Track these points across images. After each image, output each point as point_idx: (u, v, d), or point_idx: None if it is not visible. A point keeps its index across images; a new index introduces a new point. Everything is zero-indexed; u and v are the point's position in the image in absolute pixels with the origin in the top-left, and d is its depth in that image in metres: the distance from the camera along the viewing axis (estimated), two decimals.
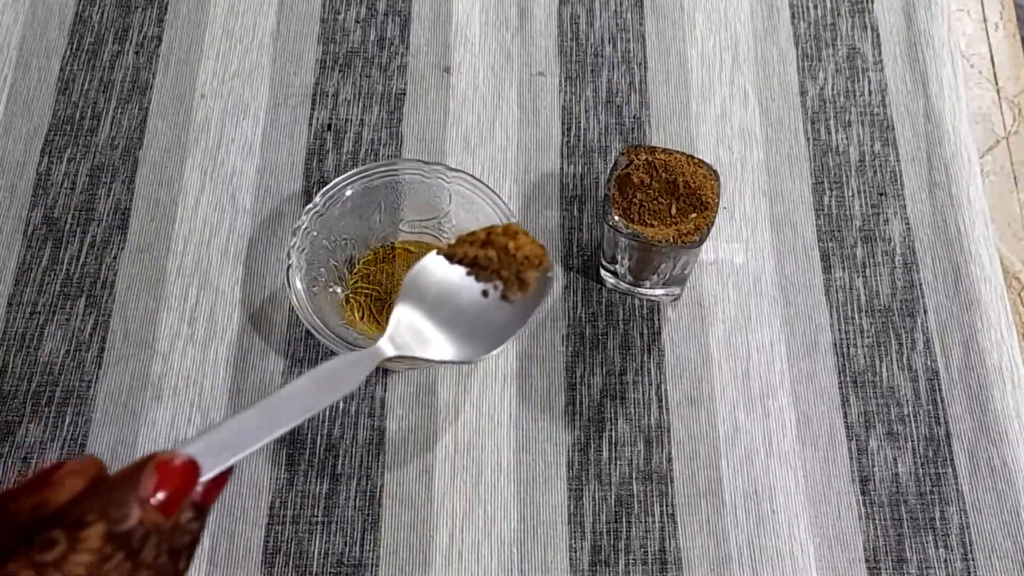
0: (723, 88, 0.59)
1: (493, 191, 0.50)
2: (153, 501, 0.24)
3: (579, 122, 0.58)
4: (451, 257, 0.37)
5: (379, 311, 0.52)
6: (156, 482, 0.24)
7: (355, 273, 0.53)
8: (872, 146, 0.57)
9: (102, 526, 0.23)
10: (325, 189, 0.49)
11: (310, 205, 0.49)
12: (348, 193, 0.50)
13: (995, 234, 0.55)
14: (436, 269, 0.36)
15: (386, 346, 0.35)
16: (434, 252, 0.37)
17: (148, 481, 0.24)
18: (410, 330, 0.35)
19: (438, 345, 0.35)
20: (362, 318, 0.51)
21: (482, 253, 0.36)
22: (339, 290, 0.51)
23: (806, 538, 0.48)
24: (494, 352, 0.36)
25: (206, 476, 0.27)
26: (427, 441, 0.50)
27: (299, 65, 0.59)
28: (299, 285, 0.48)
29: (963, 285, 0.53)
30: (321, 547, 0.48)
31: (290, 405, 0.29)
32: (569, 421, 0.51)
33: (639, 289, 0.52)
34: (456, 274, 0.36)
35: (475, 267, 0.37)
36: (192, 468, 0.26)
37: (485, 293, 0.36)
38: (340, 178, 0.50)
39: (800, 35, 0.60)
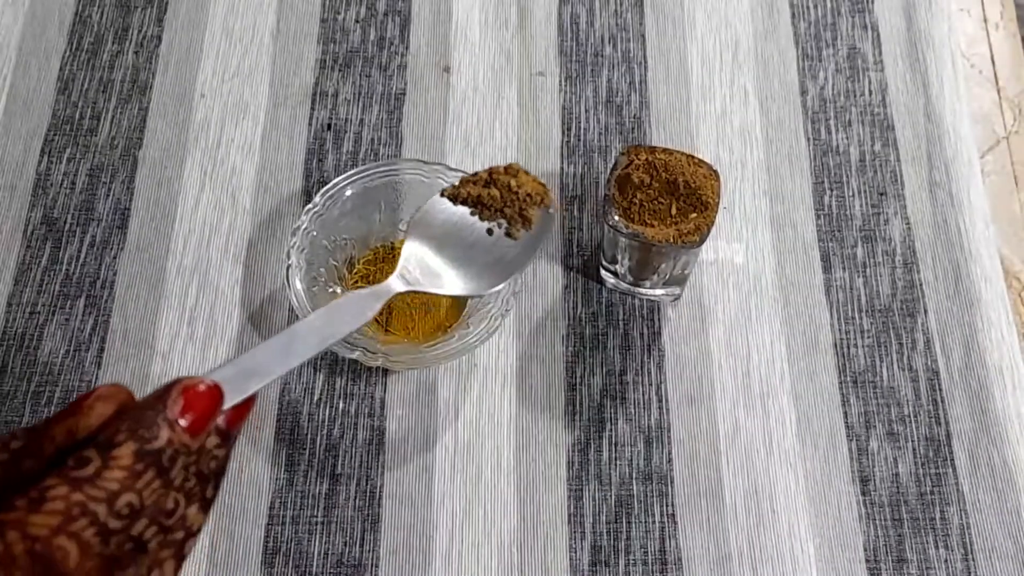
0: (723, 88, 0.59)
1: None
2: (181, 422, 0.25)
3: (579, 122, 0.58)
4: (455, 198, 0.38)
5: (381, 312, 0.52)
6: (183, 405, 0.26)
7: (355, 273, 0.53)
8: (872, 146, 0.57)
9: (132, 444, 0.24)
10: (325, 189, 0.49)
11: (310, 205, 0.49)
12: (348, 193, 0.50)
13: (995, 234, 0.55)
14: (442, 209, 0.37)
15: (396, 282, 0.35)
16: (439, 193, 0.37)
17: (175, 403, 0.25)
18: (419, 266, 0.36)
19: (448, 280, 0.36)
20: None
21: (485, 192, 0.37)
22: (339, 290, 0.51)
23: (806, 538, 0.48)
24: (500, 286, 0.37)
25: (230, 402, 0.28)
26: (427, 441, 0.50)
27: (299, 65, 0.59)
28: (299, 285, 0.48)
29: (963, 285, 0.53)
30: (321, 547, 0.48)
31: (308, 337, 0.30)
32: (569, 421, 0.51)
33: (639, 289, 0.52)
34: (460, 213, 0.37)
35: (479, 206, 0.37)
36: (217, 392, 0.27)
37: (490, 231, 0.37)
38: (340, 178, 0.50)
39: (800, 35, 0.60)
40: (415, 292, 0.36)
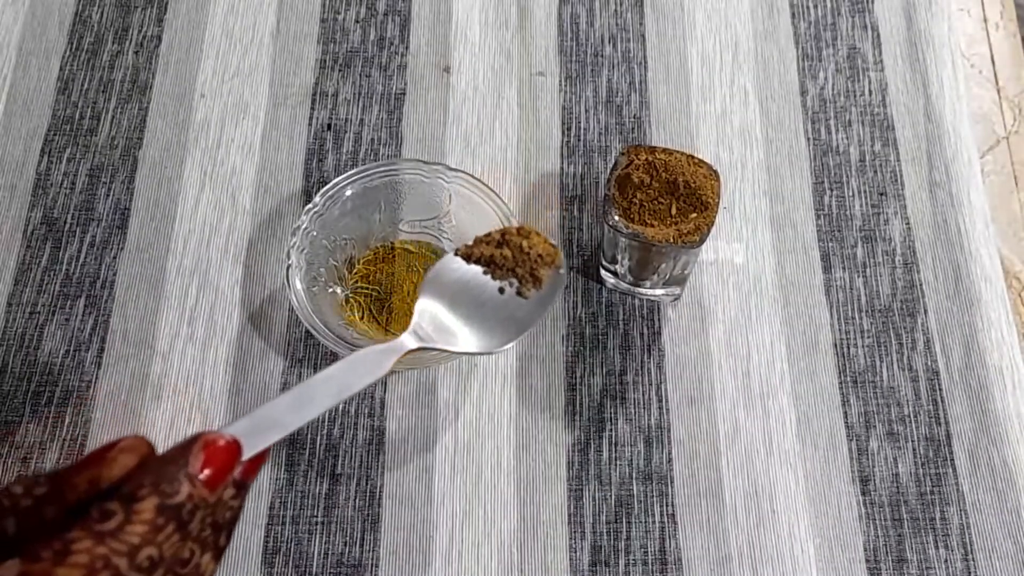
0: (723, 88, 0.59)
1: (493, 191, 0.50)
2: (201, 477, 0.26)
3: (579, 122, 0.58)
4: (468, 257, 0.39)
5: (379, 311, 0.52)
6: (204, 460, 0.26)
7: (355, 273, 0.53)
8: (872, 146, 0.57)
9: (155, 499, 0.24)
10: (325, 189, 0.49)
11: (310, 205, 0.49)
12: (348, 193, 0.50)
13: (995, 234, 0.55)
14: (455, 268, 0.38)
15: (409, 339, 0.37)
16: (452, 252, 0.39)
17: (196, 459, 0.26)
18: (433, 323, 0.37)
19: (462, 337, 0.37)
20: (362, 318, 0.51)
21: (498, 253, 0.38)
22: (339, 290, 0.51)
23: (806, 538, 0.48)
24: (512, 344, 0.38)
25: (247, 455, 0.29)
26: (427, 441, 0.50)
27: (299, 65, 0.59)
28: (299, 285, 0.48)
29: (963, 285, 0.53)
30: (321, 547, 0.48)
31: (323, 389, 0.32)
32: (569, 421, 0.51)
33: (639, 289, 0.52)
34: (473, 272, 0.38)
35: (491, 266, 0.38)
36: (236, 447, 0.28)
37: (501, 290, 0.38)
38: (340, 178, 0.50)
39: (800, 35, 0.60)
40: (428, 349, 0.37)
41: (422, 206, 0.52)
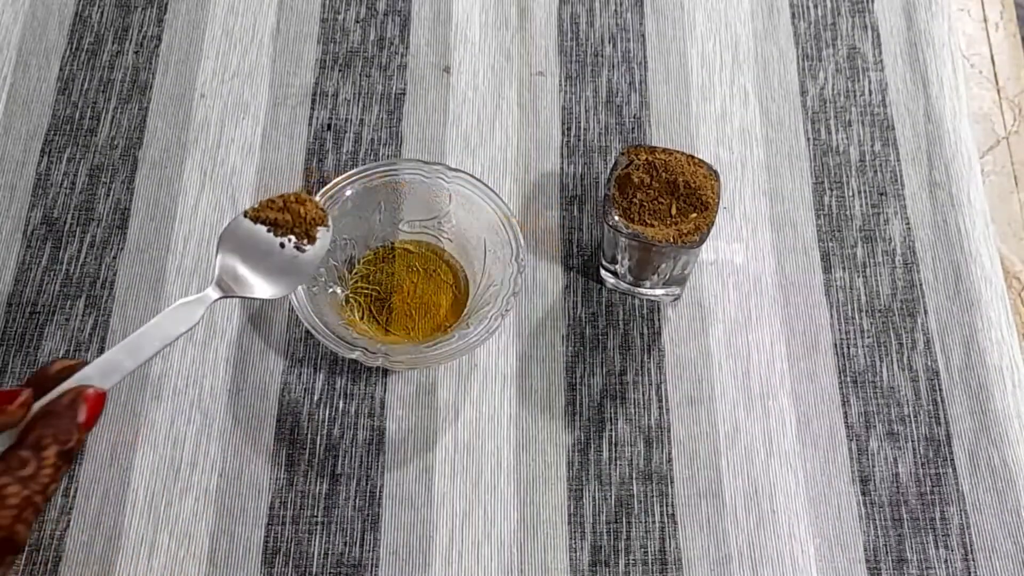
0: (723, 88, 0.59)
1: (493, 191, 0.50)
2: (81, 422, 0.33)
3: (579, 122, 0.58)
4: (256, 219, 0.45)
5: (379, 311, 0.52)
6: (87, 410, 0.33)
7: (355, 273, 0.53)
8: (872, 146, 0.57)
9: (56, 447, 0.31)
10: (325, 189, 0.49)
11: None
12: (348, 193, 0.50)
13: (995, 234, 0.55)
14: (245, 228, 0.45)
15: (212, 291, 0.43)
16: (242, 214, 0.45)
17: (82, 410, 0.32)
18: (231, 277, 0.44)
19: (257, 287, 0.44)
20: (362, 318, 0.51)
21: (280, 216, 0.45)
22: (339, 290, 0.51)
23: (806, 538, 0.48)
24: (299, 288, 0.46)
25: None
26: (427, 441, 0.50)
27: (299, 65, 0.59)
28: (301, 298, 0.48)
29: (963, 285, 0.53)
30: (321, 547, 0.48)
31: (149, 336, 0.39)
32: (569, 421, 0.51)
33: (639, 289, 0.52)
34: (260, 231, 0.45)
35: (275, 226, 0.45)
36: (104, 396, 0.34)
37: (282, 245, 0.45)
38: (340, 178, 0.50)
39: (800, 35, 0.60)
40: (230, 298, 0.44)
41: (422, 206, 0.52)
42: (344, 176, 0.50)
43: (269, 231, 0.45)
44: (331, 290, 0.51)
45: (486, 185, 0.50)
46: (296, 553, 0.48)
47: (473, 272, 0.52)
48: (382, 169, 0.50)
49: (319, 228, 0.46)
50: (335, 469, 0.50)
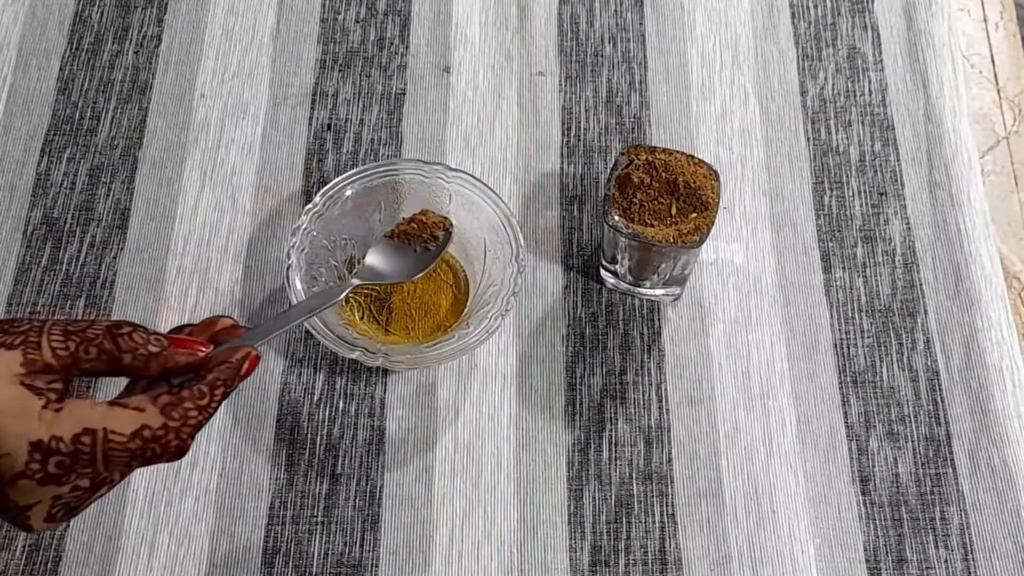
0: (723, 88, 0.59)
1: (493, 191, 0.50)
2: (243, 375, 0.38)
3: (579, 122, 0.58)
4: (391, 236, 0.50)
5: (379, 311, 0.52)
6: (248, 366, 0.38)
7: (355, 273, 0.53)
8: (872, 146, 0.57)
9: (223, 389, 0.37)
10: (325, 189, 0.49)
11: (310, 205, 0.49)
12: (348, 193, 0.50)
13: (995, 234, 0.55)
14: (384, 242, 0.51)
15: (354, 280, 0.48)
16: (382, 234, 0.50)
17: (246, 366, 0.38)
18: (371, 272, 0.49)
19: (393, 276, 0.50)
20: (362, 318, 0.51)
21: (408, 227, 0.50)
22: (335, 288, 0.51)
23: (806, 538, 0.48)
24: (421, 273, 0.50)
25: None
26: (427, 441, 0.50)
27: (299, 65, 0.59)
28: (298, 285, 0.48)
29: (963, 285, 0.53)
30: (321, 547, 0.48)
31: (297, 312, 0.44)
32: (569, 421, 0.51)
33: (639, 289, 0.52)
34: (396, 243, 0.50)
35: (405, 236, 0.50)
36: (258, 358, 0.38)
37: (415, 249, 0.50)
38: (340, 178, 0.50)
39: (800, 35, 0.60)
40: (372, 284, 0.49)
41: (422, 206, 0.52)
42: (344, 176, 0.50)
43: (402, 242, 0.50)
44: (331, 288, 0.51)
45: (486, 185, 0.50)
46: (296, 553, 0.48)
47: (473, 272, 0.52)
48: (382, 169, 0.50)
49: (440, 232, 0.50)
50: (335, 469, 0.50)
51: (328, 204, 0.49)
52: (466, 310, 0.51)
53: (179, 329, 0.39)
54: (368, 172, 0.50)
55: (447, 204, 0.51)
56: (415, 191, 0.51)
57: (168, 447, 0.35)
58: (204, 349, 0.37)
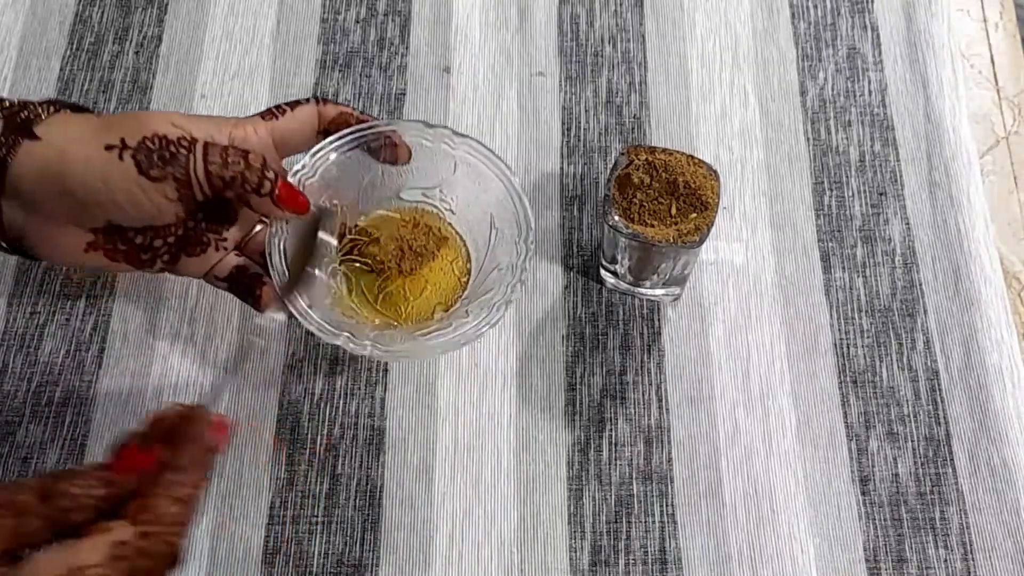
0: (723, 88, 0.59)
1: (503, 162, 0.47)
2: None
3: (579, 122, 0.58)
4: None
5: (369, 287, 0.49)
6: (219, 440, 0.36)
7: (344, 243, 0.49)
8: (872, 146, 0.57)
9: (202, 473, 0.35)
10: (316, 148, 0.46)
11: (298, 166, 0.46)
12: (332, 158, 0.47)
13: (995, 234, 0.55)
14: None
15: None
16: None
17: (223, 443, 0.37)
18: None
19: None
20: (350, 292, 0.49)
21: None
22: (325, 260, 0.48)
23: (806, 538, 0.48)
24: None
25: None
26: (427, 441, 0.50)
27: (299, 65, 0.59)
28: (278, 259, 0.45)
29: (963, 285, 0.53)
30: (321, 547, 0.48)
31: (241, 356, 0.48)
32: (569, 421, 0.51)
33: (639, 289, 0.53)
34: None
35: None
36: (223, 424, 0.37)
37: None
38: (333, 137, 0.46)
39: (800, 35, 0.60)
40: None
41: (423, 172, 0.48)
42: (338, 136, 0.46)
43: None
44: (320, 261, 0.47)
45: (496, 155, 0.47)
46: (296, 553, 0.48)
47: (477, 251, 0.49)
48: (380, 129, 0.47)
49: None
50: (335, 469, 0.50)
51: (319, 165, 0.46)
52: (466, 294, 0.48)
53: (127, 445, 0.35)
54: (364, 132, 0.46)
55: (451, 172, 0.48)
56: (416, 155, 0.48)
57: (159, 557, 0.31)
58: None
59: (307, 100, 0.46)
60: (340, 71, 0.59)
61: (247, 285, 0.47)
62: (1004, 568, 0.47)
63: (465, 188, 0.49)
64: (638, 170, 0.47)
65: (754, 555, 0.48)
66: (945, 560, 0.48)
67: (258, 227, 0.48)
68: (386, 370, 0.52)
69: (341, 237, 0.49)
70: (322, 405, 0.51)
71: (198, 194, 0.42)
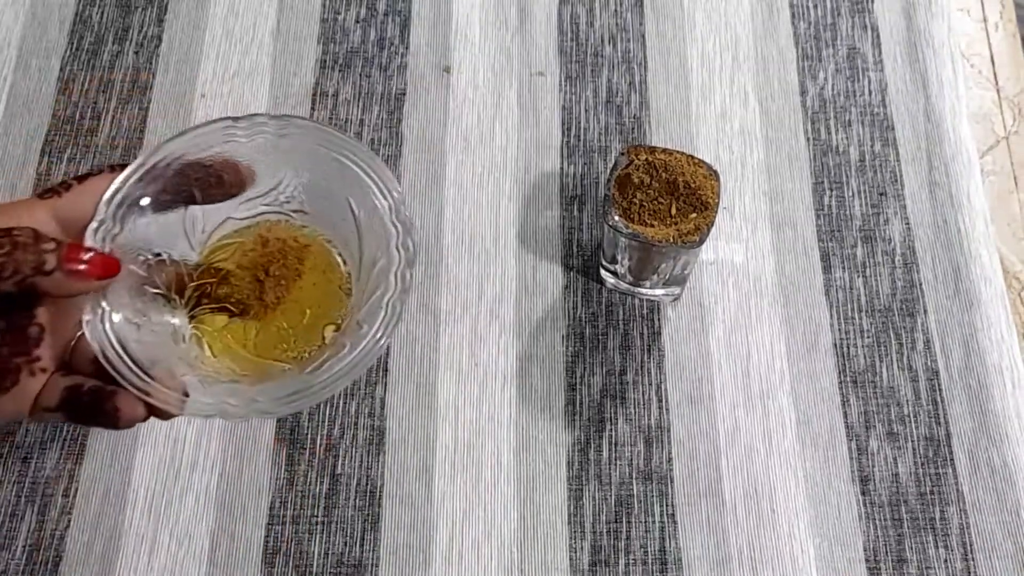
0: (723, 88, 0.59)
1: (337, 131, 0.38)
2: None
3: (579, 122, 0.58)
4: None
5: (241, 338, 0.39)
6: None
7: (187, 297, 0.39)
8: (872, 146, 0.57)
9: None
10: (107, 197, 0.36)
11: (94, 223, 0.36)
12: (140, 195, 0.37)
13: (995, 234, 0.55)
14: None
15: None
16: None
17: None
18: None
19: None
20: (215, 353, 0.39)
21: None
22: (176, 322, 0.39)
23: (806, 538, 0.48)
24: None
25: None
26: (427, 441, 0.50)
27: (299, 65, 0.59)
28: (111, 336, 0.35)
29: (963, 285, 0.53)
30: (321, 547, 0.48)
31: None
32: (569, 421, 0.51)
33: (639, 289, 0.53)
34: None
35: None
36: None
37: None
38: (119, 181, 0.36)
39: (800, 35, 0.60)
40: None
41: (257, 177, 0.39)
42: (122, 178, 0.36)
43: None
44: (166, 327, 0.38)
45: (327, 127, 0.39)
46: (296, 553, 0.48)
47: (349, 248, 0.41)
48: (165, 156, 0.37)
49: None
50: (335, 469, 0.50)
51: (120, 217, 0.36)
52: (352, 302, 0.40)
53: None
54: (151, 164, 0.37)
55: (285, 166, 0.39)
56: (250, 165, 0.38)
57: None
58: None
59: (99, 170, 0.37)
60: (340, 71, 0.59)
61: (89, 405, 0.35)
62: (1004, 568, 0.47)
63: (307, 178, 0.40)
64: (638, 170, 0.47)
65: (754, 555, 0.48)
66: (945, 560, 0.48)
67: (80, 332, 0.36)
68: (386, 370, 0.52)
69: (181, 290, 0.39)
70: (322, 405, 0.51)
71: None
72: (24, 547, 0.48)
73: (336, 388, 0.36)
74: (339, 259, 0.41)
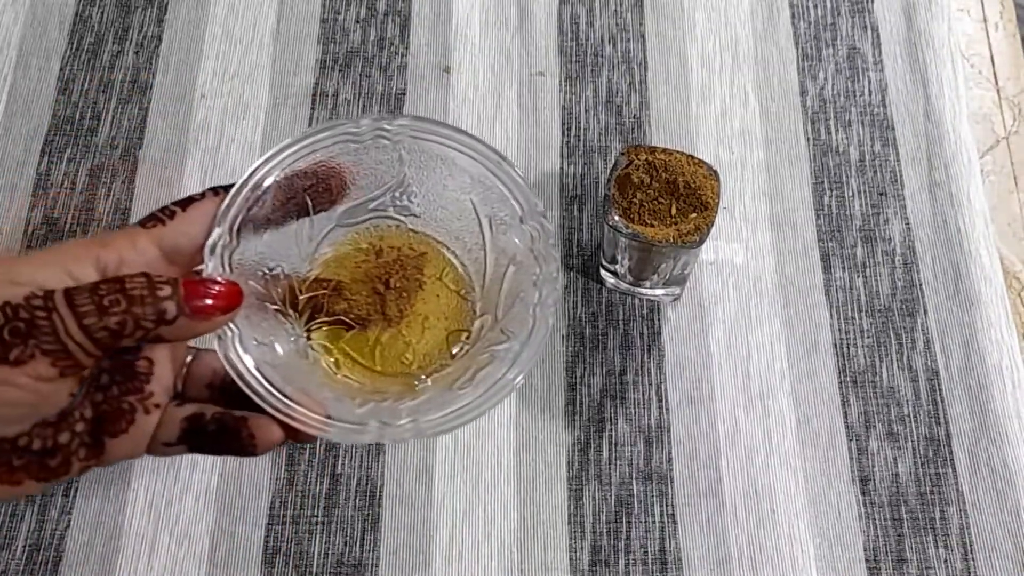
0: (723, 88, 0.59)
1: (458, 130, 0.36)
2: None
3: (579, 122, 0.58)
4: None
5: (359, 348, 0.38)
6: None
7: (301, 309, 0.38)
8: (872, 146, 0.57)
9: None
10: (221, 212, 0.34)
11: (208, 242, 0.34)
12: (257, 208, 0.35)
13: (995, 234, 0.55)
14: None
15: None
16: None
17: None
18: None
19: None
20: (338, 365, 0.38)
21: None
22: (293, 338, 0.37)
23: (806, 538, 0.48)
24: None
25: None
26: (427, 441, 0.50)
27: (299, 65, 0.59)
28: (246, 361, 0.33)
29: (963, 285, 0.53)
30: (321, 547, 0.48)
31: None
32: (569, 421, 0.51)
33: (639, 289, 0.53)
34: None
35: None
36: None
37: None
38: (229, 196, 0.35)
39: (800, 35, 0.60)
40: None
41: (362, 182, 0.38)
42: (232, 194, 0.35)
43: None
44: (291, 344, 0.36)
45: (449, 125, 0.37)
46: (296, 553, 0.48)
47: (469, 252, 0.40)
48: (290, 154, 0.35)
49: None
50: (335, 469, 0.50)
51: (237, 232, 0.34)
52: (479, 308, 0.39)
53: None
54: (262, 172, 0.35)
55: (398, 168, 0.38)
56: (354, 170, 0.37)
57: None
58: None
59: (202, 194, 0.35)
60: (340, 71, 0.59)
61: (215, 434, 0.34)
62: (1004, 568, 0.47)
63: (422, 180, 0.38)
64: (638, 170, 0.47)
65: (754, 555, 0.48)
66: (945, 560, 0.48)
67: (189, 356, 0.36)
68: None
69: (295, 304, 0.38)
70: None
71: (84, 360, 0.31)
72: (24, 547, 0.48)
73: (489, 406, 0.34)
74: (456, 262, 0.40)
